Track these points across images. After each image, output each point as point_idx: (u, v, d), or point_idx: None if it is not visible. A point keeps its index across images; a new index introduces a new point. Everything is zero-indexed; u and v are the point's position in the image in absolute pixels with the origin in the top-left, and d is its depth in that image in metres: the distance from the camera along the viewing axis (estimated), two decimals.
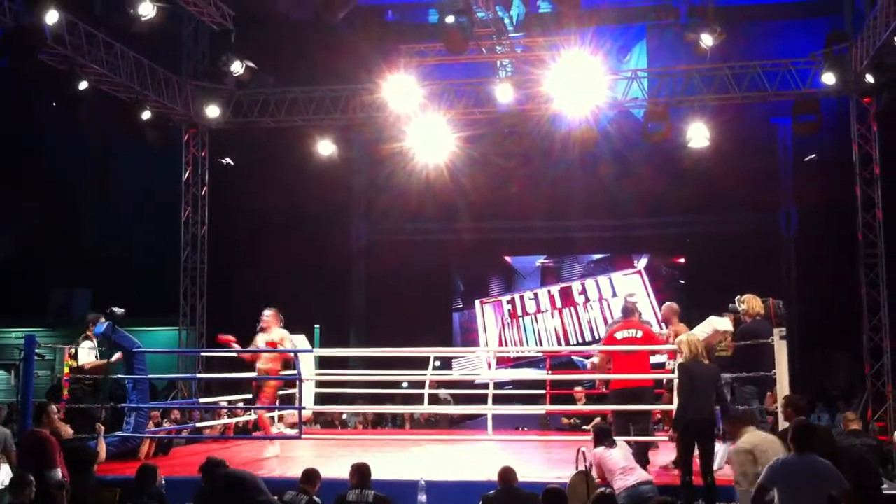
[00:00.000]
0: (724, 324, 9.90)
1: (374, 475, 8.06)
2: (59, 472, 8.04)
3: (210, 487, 7.89)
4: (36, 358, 10.22)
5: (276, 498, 7.86)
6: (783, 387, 9.24)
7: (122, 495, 8.70)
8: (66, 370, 10.74)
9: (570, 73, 14.57)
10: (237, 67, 15.23)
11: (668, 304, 11.13)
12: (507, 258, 22.18)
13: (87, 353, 10.83)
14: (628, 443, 8.96)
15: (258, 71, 15.85)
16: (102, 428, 9.61)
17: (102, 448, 9.32)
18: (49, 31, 12.43)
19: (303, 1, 18.07)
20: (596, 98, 15.34)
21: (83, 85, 13.70)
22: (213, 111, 16.55)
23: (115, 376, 10.68)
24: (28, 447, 8.49)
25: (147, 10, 12.97)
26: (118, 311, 10.80)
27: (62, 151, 22.44)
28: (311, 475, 7.98)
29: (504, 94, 15.73)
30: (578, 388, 13.86)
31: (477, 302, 21.94)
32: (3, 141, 25.40)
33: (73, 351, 10.82)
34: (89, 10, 15.68)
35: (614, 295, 20.93)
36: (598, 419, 12.59)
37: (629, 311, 10.40)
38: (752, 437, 7.84)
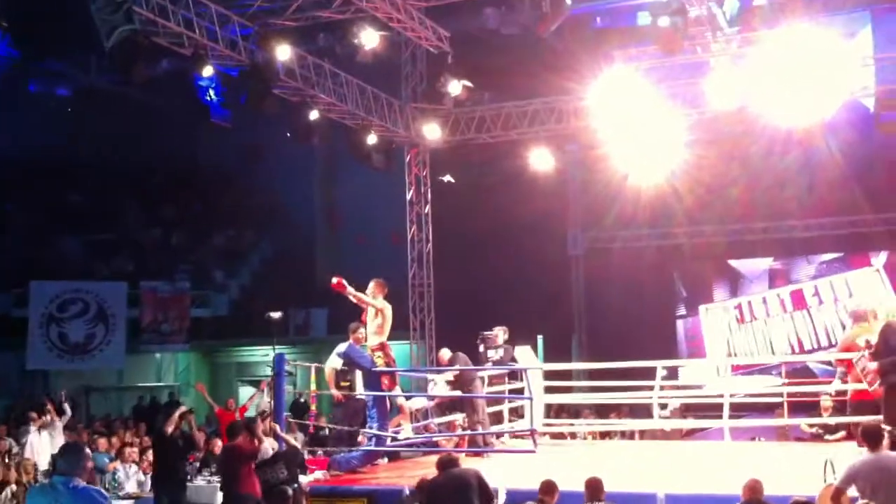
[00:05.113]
0: None
1: (609, 487, 8.02)
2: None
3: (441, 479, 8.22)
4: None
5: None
6: None
7: None
8: (314, 387, 11.33)
9: (791, 67, 13.89)
10: (454, 87, 15.54)
11: None
12: (731, 262, 21.43)
13: (335, 359, 11.21)
14: None
15: (473, 88, 16.14)
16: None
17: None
18: (282, 66, 13.21)
19: (513, 17, 18.28)
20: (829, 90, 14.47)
21: (314, 115, 14.46)
22: (432, 131, 16.98)
23: (357, 394, 11.13)
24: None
25: (369, 39, 13.51)
26: None
27: (292, 183, 23.78)
28: (549, 487, 8.05)
29: (719, 93, 15.21)
30: (826, 398, 13.11)
31: (701, 308, 21.31)
32: (238, 177, 27.47)
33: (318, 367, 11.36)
34: (314, 43, 16.59)
35: (851, 296, 19.77)
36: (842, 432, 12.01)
37: (860, 317, 10.05)
38: None
